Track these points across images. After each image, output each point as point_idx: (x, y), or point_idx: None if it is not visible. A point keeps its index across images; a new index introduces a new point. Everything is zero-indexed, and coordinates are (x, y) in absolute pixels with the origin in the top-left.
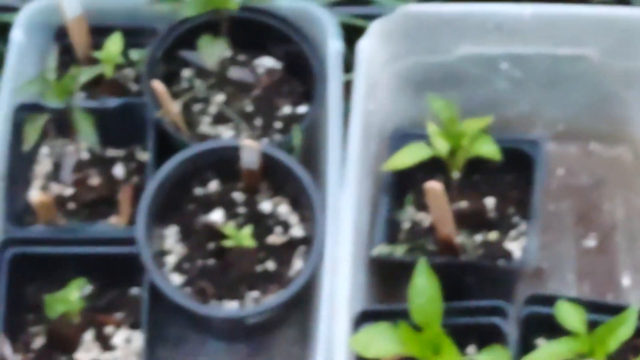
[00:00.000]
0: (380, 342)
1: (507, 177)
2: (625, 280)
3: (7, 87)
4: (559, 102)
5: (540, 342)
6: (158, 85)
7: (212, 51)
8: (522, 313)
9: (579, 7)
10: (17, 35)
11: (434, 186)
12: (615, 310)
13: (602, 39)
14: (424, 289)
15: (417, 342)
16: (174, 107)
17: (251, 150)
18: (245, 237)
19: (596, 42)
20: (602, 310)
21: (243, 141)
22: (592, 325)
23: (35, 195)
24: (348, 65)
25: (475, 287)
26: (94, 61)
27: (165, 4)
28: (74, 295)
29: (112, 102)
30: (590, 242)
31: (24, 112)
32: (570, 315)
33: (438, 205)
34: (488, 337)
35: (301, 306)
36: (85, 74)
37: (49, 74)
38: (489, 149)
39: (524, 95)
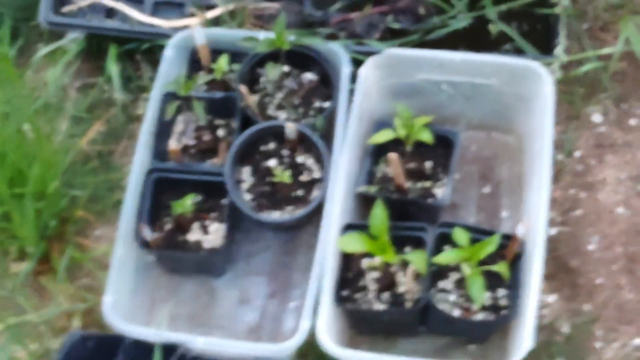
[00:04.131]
0: (354, 243)
1: (439, 150)
2: (504, 214)
3: (159, 84)
4: (475, 108)
5: (447, 248)
6: (242, 88)
7: (273, 72)
8: (436, 231)
9: (488, 55)
10: (168, 52)
11: (392, 156)
12: (490, 233)
13: (500, 74)
14: (378, 216)
15: (373, 245)
16: (252, 100)
17: (290, 128)
18: (286, 176)
19: (497, 76)
20: (483, 233)
21: (287, 123)
22: (476, 242)
23: (171, 145)
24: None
25: (416, 213)
26: (211, 69)
27: (250, 42)
28: (187, 203)
29: (218, 94)
30: (486, 190)
31: (167, 98)
32: (460, 236)
33: (395, 166)
34: (418, 244)
35: (318, 215)
36: (202, 79)
37: (180, 79)
38: (426, 136)
39: (455, 104)
